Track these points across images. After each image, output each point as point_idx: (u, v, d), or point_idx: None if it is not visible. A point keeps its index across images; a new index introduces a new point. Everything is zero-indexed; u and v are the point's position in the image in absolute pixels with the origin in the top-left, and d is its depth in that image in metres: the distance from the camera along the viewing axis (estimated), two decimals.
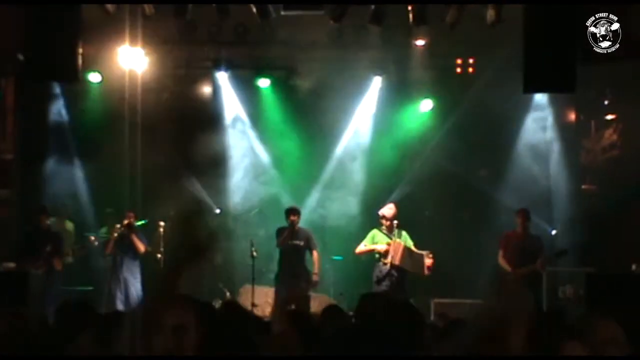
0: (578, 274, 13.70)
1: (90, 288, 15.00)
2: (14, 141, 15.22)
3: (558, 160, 16.38)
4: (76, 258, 14.78)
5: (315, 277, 14.36)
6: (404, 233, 14.12)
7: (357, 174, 16.87)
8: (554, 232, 15.59)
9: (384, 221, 14.05)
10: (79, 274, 14.93)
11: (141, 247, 14.54)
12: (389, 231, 13.98)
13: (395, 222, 13.99)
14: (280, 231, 14.53)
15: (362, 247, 14.14)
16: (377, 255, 13.90)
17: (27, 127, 15.50)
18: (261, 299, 14.89)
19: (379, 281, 13.84)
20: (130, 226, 14.51)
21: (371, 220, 15.22)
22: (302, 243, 14.45)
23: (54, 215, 15.26)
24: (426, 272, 13.82)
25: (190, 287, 14.36)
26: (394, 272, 13.81)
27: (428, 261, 13.83)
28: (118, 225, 14.77)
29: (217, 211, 16.71)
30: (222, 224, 16.70)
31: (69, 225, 15.63)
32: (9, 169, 15.11)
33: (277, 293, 14.30)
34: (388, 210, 14.14)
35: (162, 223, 14.62)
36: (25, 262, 13.27)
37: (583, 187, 16.39)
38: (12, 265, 13.28)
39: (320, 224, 16.20)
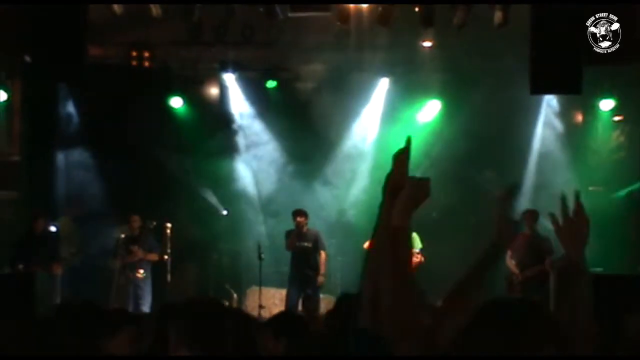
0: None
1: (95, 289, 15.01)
2: (20, 143, 15.22)
3: (565, 162, 16.35)
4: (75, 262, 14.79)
5: (320, 278, 14.41)
6: (413, 234, 14.18)
7: (364, 174, 16.84)
8: None
9: None
10: (84, 275, 14.92)
11: (155, 257, 14.62)
12: None
13: None
14: (288, 234, 14.56)
15: (367, 245, 14.27)
16: None
17: (34, 128, 15.51)
18: (268, 301, 14.91)
19: None
20: (138, 237, 14.66)
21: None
22: (310, 245, 14.47)
23: (60, 216, 15.32)
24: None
25: (197, 288, 14.40)
26: None
27: (413, 259, 13.91)
28: (123, 235, 14.80)
29: (224, 212, 16.72)
30: (229, 225, 16.72)
31: (73, 226, 15.66)
32: (16, 170, 15.12)
33: (288, 295, 14.39)
34: None
35: (169, 224, 14.62)
36: (29, 264, 13.28)
37: (590, 188, 16.36)
38: (21, 266, 13.31)
39: (326, 224, 16.17)
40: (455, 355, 2.73)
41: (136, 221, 14.72)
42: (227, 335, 4.17)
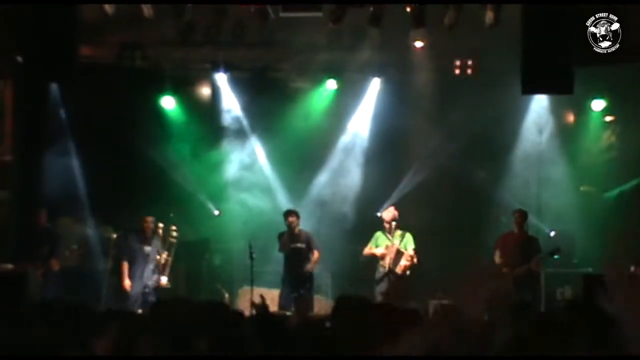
0: (576, 275, 13.71)
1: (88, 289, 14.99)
2: (12, 142, 15.18)
3: (556, 162, 16.38)
4: (76, 259, 14.72)
5: (308, 267, 14.42)
6: (407, 235, 14.24)
7: (356, 175, 16.84)
8: (552, 233, 15.61)
9: (384, 223, 14.25)
10: (78, 275, 14.89)
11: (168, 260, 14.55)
12: (390, 233, 14.17)
13: (394, 223, 14.14)
14: (281, 235, 14.55)
15: (366, 250, 14.37)
16: (378, 258, 14.12)
17: (26, 128, 15.46)
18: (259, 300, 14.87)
19: (378, 282, 14.09)
20: (151, 239, 14.47)
21: (369, 222, 15.23)
22: (303, 245, 14.46)
23: (65, 215, 15.30)
24: (399, 270, 13.95)
25: (189, 288, 14.27)
26: (390, 275, 14.00)
27: (403, 262, 13.99)
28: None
29: (216, 213, 16.70)
30: (220, 225, 16.70)
31: (79, 226, 15.62)
32: (7, 170, 15.07)
33: (281, 296, 14.39)
34: (387, 213, 14.37)
35: (161, 225, 14.60)
36: (22, 263, 13.21)
37: (581, 188, 16.40)
38: (10, 266, 13.23)
39: (318, 222, 16.17)
40: (460, 356, 2.74)
41: (150, 222, 14.51)
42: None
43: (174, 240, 14.57)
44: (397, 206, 14.78)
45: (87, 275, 15.08)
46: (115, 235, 14.88)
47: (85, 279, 14.91)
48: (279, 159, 16.83)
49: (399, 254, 14.07)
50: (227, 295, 15.43)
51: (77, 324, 5.95)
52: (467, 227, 16.08)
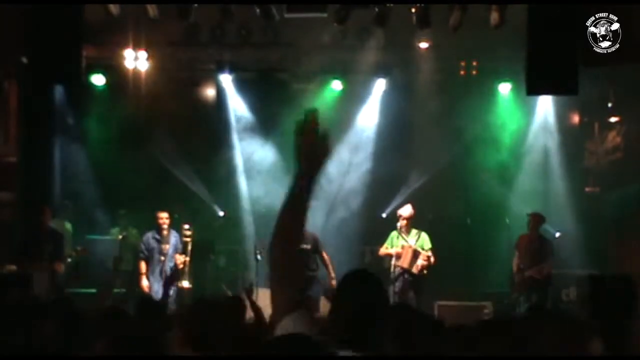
0: (582, 276, 13.69)
1: (93, 290, 14.99)
2: (17, 144, 15.20)
3: (561, 163, 16.35)
4: (77, 259, 14.65)
5: (332, 282, 14.12)
6: (422, 234, 14.18)
7: (361, 176, 16.83)
8: (557, 234, 15.57)
9: (401, 220, 14.10)
10: (82, 276, 14.87)
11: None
12: (406, 232, 14.07)
13: (414, 228, 14.08)
14: None
15: (382, 250, 14.30)
16: (393, 258, 14.08)
17: (30, 129, 15.48)
18: (265, 301, 14.80)
19: (393, 282, 14.07)
20: (167, 238, 14.00)
21: (374, 223, 15.21)
22: (309, 246, 14.40)
23: (54, 216, 15.28)
24: (415, 270, 13.86)
25: (193, 289, 14.16)
26: (405, 275, 13.95)
27: (420, 261, 13.91)
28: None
29: (221, 214, 16.71)
30: (225, 226, 16.70)
31: (67, 226, 15.57)
32: (12, 171, 15.09)
33: None
34: (405, 210, 14.22)
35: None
36: (26, 264, 13.15)
37: (586, 189, 16.38)
38: (14, 267, 13.20)
39: (324, 227, 16.15)
40: (457, 356, 2.74)
41: (164, 217, 14.00)
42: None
43: (188, 239, 14.34)
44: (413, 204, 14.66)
45: (92, 275, 15.06)
46: (120, 237, 14.88)
47: (91, 278, 14.90)
48: (284, 159, 16.82)
49: (415, 253, 13.99)
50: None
51: (81, 324, 5.96)
52: (471, 229, 16.07)
